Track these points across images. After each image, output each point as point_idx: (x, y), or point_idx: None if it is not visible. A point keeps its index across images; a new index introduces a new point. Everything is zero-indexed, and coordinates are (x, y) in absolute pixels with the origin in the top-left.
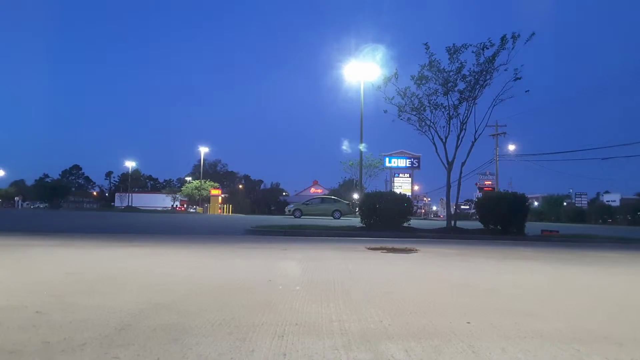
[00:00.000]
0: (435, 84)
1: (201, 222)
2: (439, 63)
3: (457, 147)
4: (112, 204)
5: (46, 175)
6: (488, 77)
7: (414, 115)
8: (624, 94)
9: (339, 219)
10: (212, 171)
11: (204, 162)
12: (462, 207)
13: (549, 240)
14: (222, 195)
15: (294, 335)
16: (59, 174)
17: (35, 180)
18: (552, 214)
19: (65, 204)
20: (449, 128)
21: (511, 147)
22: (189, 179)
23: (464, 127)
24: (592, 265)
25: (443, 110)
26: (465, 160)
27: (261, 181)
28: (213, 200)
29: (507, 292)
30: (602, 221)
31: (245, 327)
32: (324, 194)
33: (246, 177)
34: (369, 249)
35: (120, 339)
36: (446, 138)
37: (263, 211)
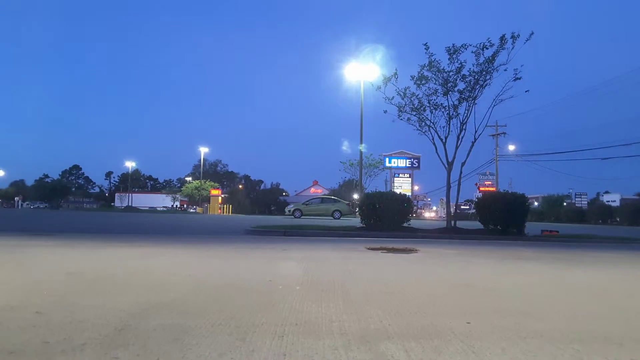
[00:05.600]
0: (435, 84)
1: (201, 222)
2: (439, 63)
3: (457, 147)
4: (112, 204)
5: (46, 175)
6: (488, 77)
7: (414, 116)
8: (624, 93)
9: (339, 219)
10: (212, 171)
11: (204, 162)
12: (462, 207)
13: (548, 240)
14: (222, 195)
15: (294, 335)
16: (59, 174)
17: (35, 180)
18: (552, 214)
19: (65, 204)
20: (449, 128)
21: (511, 147)
22: (189, 179)
23: (463, 127)
24: (592, 265)
25: (443, 110)
26: (465, 161)
27: (261, 181)
28: (213, 200)
29: (507, 292)
30: (602, 221)
31: (245, 327)
32: (324, 194)
33: (246, 177)
34: (369, 249)
35: (120, 339)
36: (446, 138)
37: (263, 211)
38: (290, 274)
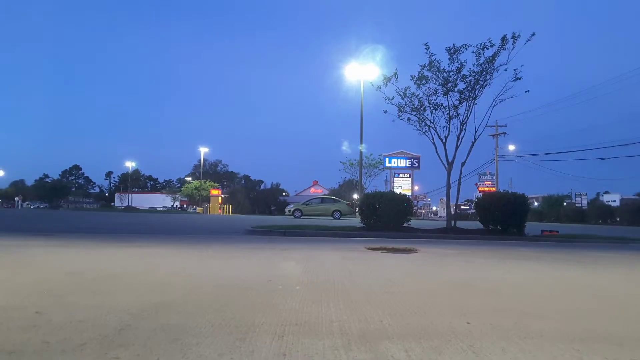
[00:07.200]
0: (435, 84)
1: (201, 222)
2: (439, 63)
3: (457, 147)
4: (112, 204)
5: (46, 175)
6: (488, 77)
7: (414, 116)
8: (625, 93)
9: (339, 219)
10: (212, 171)
11: (204, 162)
12: (462, 207)
13: (548, 240)
14: (222, 196)
15: (294, 335)
16: (59, 174)
17: (35, 180)
18: (552, 214)
19: (65, 204)
20: (449, 128)
21: (511, 147)
22: (189, 179)
23: (464, 127)
24: (592, 265)
25: (443, 110)
26: (465, 161)
27: (261, 181)
28: (213, 200)
29: (507, 292)
30: (602, 221)
31: (245, 327)
32: (324, 194)
33: (246, 177)
34: (369, 249)
35: (120, 339)
36: (446, 138)
37: (263, 211)
38: (290, 274)
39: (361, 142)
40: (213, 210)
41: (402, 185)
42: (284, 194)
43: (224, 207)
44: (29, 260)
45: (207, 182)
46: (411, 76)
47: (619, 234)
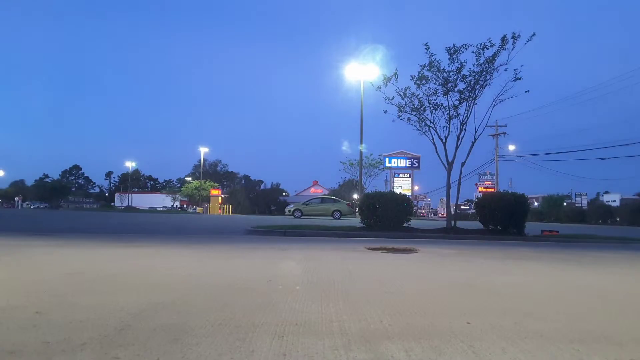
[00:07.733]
0: (435, 84)
1: (201, 222)
2: (439, 63)
3: (457, 147)
4: (112, 204)
5: (46, 175)
6: (488, 77)
7: (414, 116)
8: (624, 94)
9: (339, 219)
10: (212, 171)
11: (204, 162)
12: (462, 207)
13: (548, 240)
14: (222, 196)
15: (294, 335)
16: (59, 174)
17: (35, 180)
18: (552, 214)
19: (65, 204)
20: (449, 128)
21: (511, 147)
22: (189, 179)
23: (464, 127)
24: (592, 266)
25: (443, 110)
26: (465, 161)
27: (261, 181)
28: (213, 200)
29: (507, 292)
30: (602, 221)
31: (245, 327)
32: (324, 194)
33: (246, 177)
34: (369, 249)
35: (120, 339)
36: (446, 138)
37: (263, 211)
38: (290, 274)
39: (361, 142)
40: (213, 210)
41: (402, 185)
42: (284, 194)
43: (224, 207)
44: (29, 260)
45: (207, 182)
46: (411, 76)
47: (618, 234)
